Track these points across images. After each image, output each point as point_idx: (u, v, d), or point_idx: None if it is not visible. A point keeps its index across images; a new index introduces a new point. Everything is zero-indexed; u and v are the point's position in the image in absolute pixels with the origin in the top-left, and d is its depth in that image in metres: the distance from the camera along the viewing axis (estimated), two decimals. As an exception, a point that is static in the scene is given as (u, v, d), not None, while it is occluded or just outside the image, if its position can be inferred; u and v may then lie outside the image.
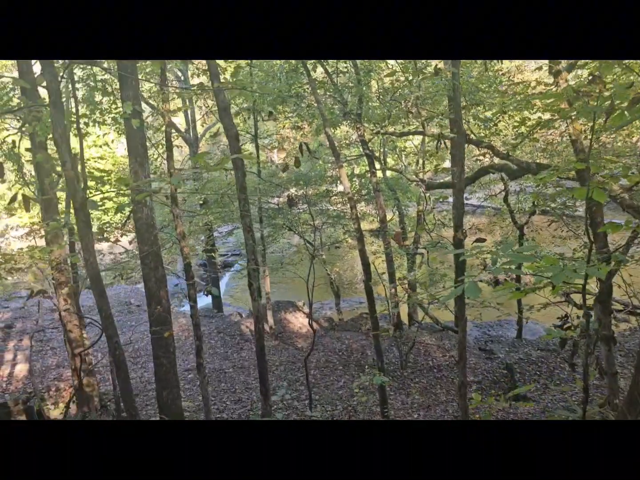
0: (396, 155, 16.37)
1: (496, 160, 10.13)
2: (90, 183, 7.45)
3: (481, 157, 10.70)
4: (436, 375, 11.02)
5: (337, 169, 16.54)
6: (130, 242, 11.14)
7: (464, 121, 11.90)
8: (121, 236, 9.37)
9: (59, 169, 7.29)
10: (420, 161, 15.05)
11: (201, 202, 12.55)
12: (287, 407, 8.72)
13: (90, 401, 7.15)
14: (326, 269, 14.47)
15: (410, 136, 19.17)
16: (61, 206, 7.14)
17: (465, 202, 14.34)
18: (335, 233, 16.52)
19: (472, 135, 9.80)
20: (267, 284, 14.14)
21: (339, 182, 15.57)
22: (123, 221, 9.11)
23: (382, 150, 14.73)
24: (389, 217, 14.30)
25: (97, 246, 14.17)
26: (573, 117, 5.82)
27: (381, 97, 11.46)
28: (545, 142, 10.72)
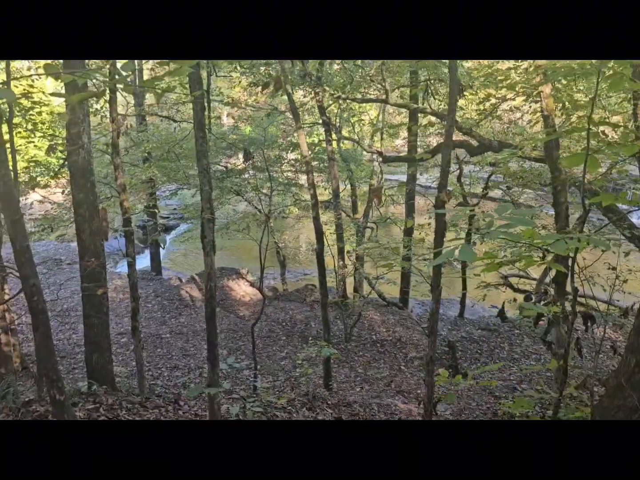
0: (351, 127, 16.01)
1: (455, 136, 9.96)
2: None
3: (440, 132, 10.51)
4: (379, 350, 10.96)
5: (288, 137, 16.09)
6: (63, 192, 10.23)
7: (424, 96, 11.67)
8: (52, 179, 8.50)
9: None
10: (377, 134, 14.78)
11: (146, 153, 11.72)
12: (231, 376, 8.35)
13: (8, 362, 6.48)
14: (274, 238, 14.03)
15: (367, 107, 18.83)
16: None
17: (417, 182, 14.28)
18: (283, 202, 16.10)
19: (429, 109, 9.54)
20: (212, 248, 13.56)
21: (289, 150, 15.10)
22: (58, 166, 8.28)
23: (338, 120, 14.32)
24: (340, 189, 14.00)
25: (26, 199, 13.01)
26: (547, 92, 5.64)
27: (343, 61, 10.99)
28: (509, 121, 10.66)
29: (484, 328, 12.31)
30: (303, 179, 17.19)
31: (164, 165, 11.15)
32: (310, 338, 11.08)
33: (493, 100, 8.78)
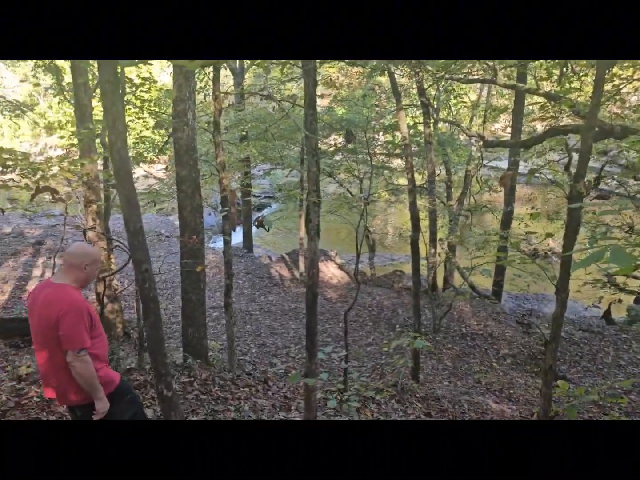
0: (448, 110, 15.29)
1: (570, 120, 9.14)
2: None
3: (550, 115, 9.68)
4: (469, 344, 10.48)
5: (381, 119, 15.65)
6: (166, 168, 10.62)
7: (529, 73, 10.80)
8: (157, 155, 8.82)
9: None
10: (478, 116, 14.00)
11: (244, 133, 11.88)
12: (325, 365, 8.26)
13: (112, 328, 6.85)
14: (365, 221, 13.81)
15: (467, 89, 17.88)
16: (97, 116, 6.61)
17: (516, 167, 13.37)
18: (375, 186, 15.77)
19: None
20: (302, 229, 13.64)
21: (383, 132, 14.70)
22: (162, 142, 8.57)
23: (435, 102, 13.71)
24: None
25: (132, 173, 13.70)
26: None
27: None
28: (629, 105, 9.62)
29: (586, 329, 11.40)
30: (395, 162, 16.78)
31: (261, 145, 11.24)
32: (397, 326, 10.82)
33: (617, 82, 7.91)
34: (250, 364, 8.27)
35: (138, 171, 15.66)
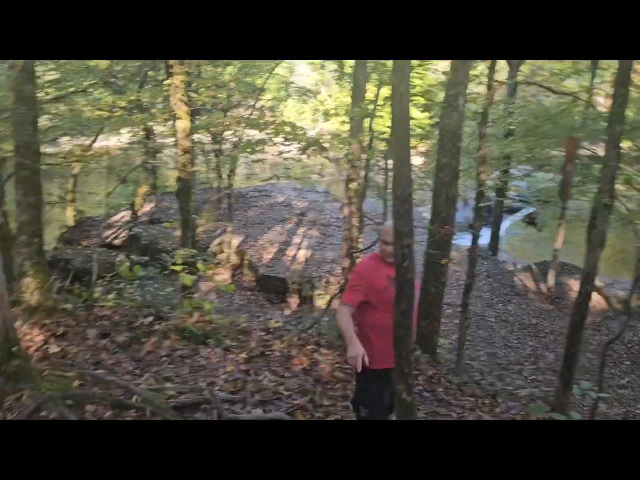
0: None
1: None
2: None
3: None
4: None
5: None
6: (423, 154, 10.56)
7: None
8: (421, 140, 8.80)
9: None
10: None
11: (511, 127, 11.09)
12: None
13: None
14: (640, 241, 11.65)
15: None
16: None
17: None
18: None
19: None
20: (559, 240, 12.24)
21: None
22: (428, 126, 8.51)
23: None
24: None
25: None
26: None
27: None
28: None
29: None
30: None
31: (527, 142, 10.33)
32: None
33: None
34: (478, 372, 7.76)
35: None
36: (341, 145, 6.04)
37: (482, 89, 8.91)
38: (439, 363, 5.68)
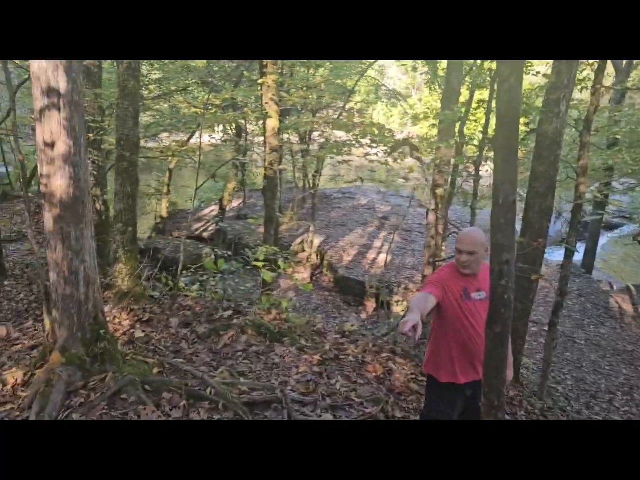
0: None
1: None
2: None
3: None
4: None
5: None
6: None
7: None
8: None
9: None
10: None
11: (617, 137, 10.27)
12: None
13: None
14: None
15: None
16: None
17: None
18: None
19: None
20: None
21: None
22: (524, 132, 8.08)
23: None
24: None
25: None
26: None
27: None
28: None
29: None
30: None
31: (634, 154, 9.52)
32: None
33: None
34: (563, 397, 7.24)
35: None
36: (429, 149, 5.87)
37: (585, 95, 8.30)
38: (521, 384, 5.36)
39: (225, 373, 3.69)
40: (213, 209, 14.92)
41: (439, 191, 5.77)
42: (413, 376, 4.52)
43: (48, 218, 3.02)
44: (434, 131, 15.18)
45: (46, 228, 3.06)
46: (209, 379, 3.36)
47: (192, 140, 12.63)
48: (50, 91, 2.78)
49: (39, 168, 2.99)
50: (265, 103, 6.96)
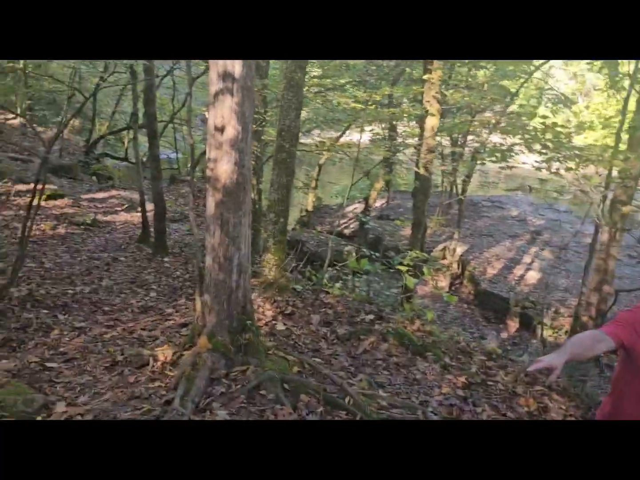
0: None
1: None
2: None
3: None
4: None
5: None
6: None
7: None
8: None
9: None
10: None
11: None
12: None
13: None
14: None
15: None
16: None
17: None
18: None
19: None
20: None
21: None
22: None
23: None
24: None
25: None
26: None
27: None
28: None
29: None
30: None
31: None
32: None
33: None
34: None
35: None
36: (608, 160, 5.09)
37: None
38: None
39: (365, 383, 3.47)
40: (356, 206, 14.94)
41: (627, 209, 4.96)
42: (572, 417, 3.93)
43: (210, 203, 3.05)
44: (607, 140, 13.54)
45: (207, 212, 3.09)
46: (348, 388, 3.15)
47: (343, 139, 12.75)
48: (225, 75, 2.78)
49: (207, 152, 3.03)
50: (427, 101, 6.62)
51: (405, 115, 8.69)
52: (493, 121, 10.05)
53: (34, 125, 15.74)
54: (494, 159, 6.75)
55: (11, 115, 13.90)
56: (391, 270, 6.09)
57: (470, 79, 11.32)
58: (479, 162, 8.41)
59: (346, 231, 13.71)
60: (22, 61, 7.18)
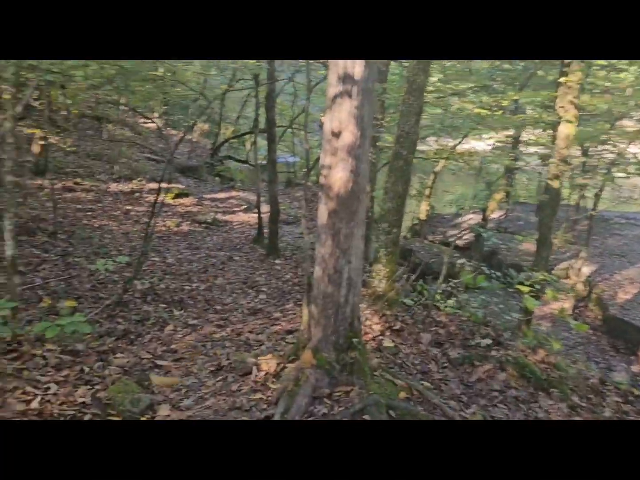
0: None
1: None
2: None
3: None
4: None
5: None
6: None
7: None
8: None
9: None
10: None
11: None
12: None
13: None
14: None
15: None
16: None
17: None
18: None
19: None
20: None
21: None
22: None
23: None
24: None
25: None
26: None
27: None
28: None
29: None
30: None
31: None
32: None
33: None
34: None
35: None
36: None
37: None
38: None
39: (479, 416, 3.13)
40: (471, 217, 14.23)
41: None
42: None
43: (323, 211, 2.93)
44: None
45: (319, 221, 2.97)
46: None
47: (460, 147, 12.24)
48: (345, 77, 2.63)
49: (321, 159, 2.91)
50: (561, 107, 6.01)
51: (535, 122, 8.02)
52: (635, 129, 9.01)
53: (168, 128, 16.94)
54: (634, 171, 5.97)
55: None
56: (509, 290, 5.58)
57: (610, 82, 10.27)
58: (619, 173, 7.54)
59: (459, 242, 13.09)
60: (161, 69, 7.66)
